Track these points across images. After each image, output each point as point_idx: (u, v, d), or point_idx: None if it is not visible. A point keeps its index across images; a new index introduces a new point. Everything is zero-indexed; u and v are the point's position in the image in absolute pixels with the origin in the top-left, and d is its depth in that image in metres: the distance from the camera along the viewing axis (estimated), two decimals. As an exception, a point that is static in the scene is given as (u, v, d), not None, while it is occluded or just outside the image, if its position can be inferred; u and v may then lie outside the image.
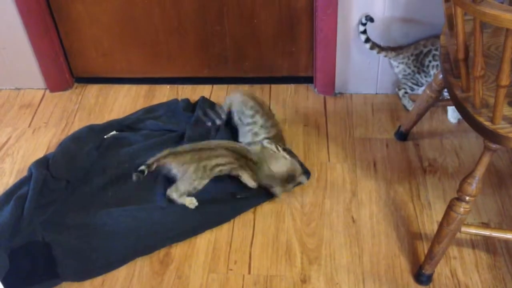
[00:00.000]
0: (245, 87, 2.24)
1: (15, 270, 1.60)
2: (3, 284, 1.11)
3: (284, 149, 1.86)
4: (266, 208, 1.80)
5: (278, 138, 1.92)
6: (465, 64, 1.31)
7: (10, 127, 2.16)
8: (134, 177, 1.78)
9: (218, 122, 2.00)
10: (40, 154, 2.01)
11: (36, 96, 2.29)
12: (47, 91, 2.30)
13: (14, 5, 2.06)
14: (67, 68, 2.27)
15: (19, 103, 2.26)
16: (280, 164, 1.82)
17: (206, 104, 2.12)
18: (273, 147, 1.84)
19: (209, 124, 2.00)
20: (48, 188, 1.81)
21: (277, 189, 1.79)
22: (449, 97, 1.45)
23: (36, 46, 2.17)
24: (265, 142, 1.87)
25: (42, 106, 2.24)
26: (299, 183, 1.83)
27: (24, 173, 1.89)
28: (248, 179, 1.82)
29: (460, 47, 1.28)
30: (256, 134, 1.91)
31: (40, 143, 2.07)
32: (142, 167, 1.79)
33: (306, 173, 1.86)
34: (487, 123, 1.28)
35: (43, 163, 1.88)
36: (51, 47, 2.19)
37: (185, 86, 2.27)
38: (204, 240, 1.72)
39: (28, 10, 2.07)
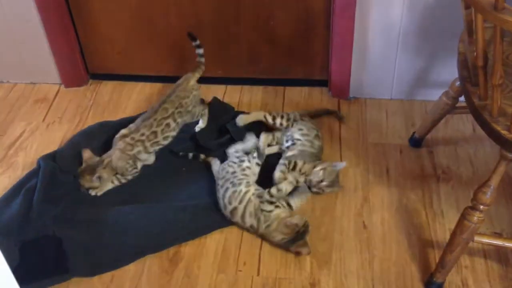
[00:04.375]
0: (259, 89, 2.23)
1: (25, 264, 1.61)
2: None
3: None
4: (277, 210, 1.79)
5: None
6: (484, 72, 1.30)
7: (25, 121, 2.17)
8: (181, 153, 1.92)
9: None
10: (53, 148, 2.01)
11: (51, 91, 2.30)
12: (62, 86, 2.31)
13: (33, 0, 2.07)
14: (82, 64, 2.28)
15: (34, 98, 2.27)
16: (277, 233, 1.66)
17: (218, 105, 2.12)
18: (266, 196, 1.68)
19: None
20: (57, 180, 1.82)
21: (303, 250, 1.64)
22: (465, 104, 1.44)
23: (53, 42, 2.18)
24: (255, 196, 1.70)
25: (56, 101, 2.25)
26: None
27: (37, 167, 1.90)
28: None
29: (480, 54, 1.27)
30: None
31: (54, 138, 2.08)
32: (190, 154, 1.91)
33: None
34: (504, 132, 1.27)
35: (50, 156, 1.90)
36: (67, 43, 2.20)
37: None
38: (214, 241, 1.72)
39: (46, 6, 2.08)
